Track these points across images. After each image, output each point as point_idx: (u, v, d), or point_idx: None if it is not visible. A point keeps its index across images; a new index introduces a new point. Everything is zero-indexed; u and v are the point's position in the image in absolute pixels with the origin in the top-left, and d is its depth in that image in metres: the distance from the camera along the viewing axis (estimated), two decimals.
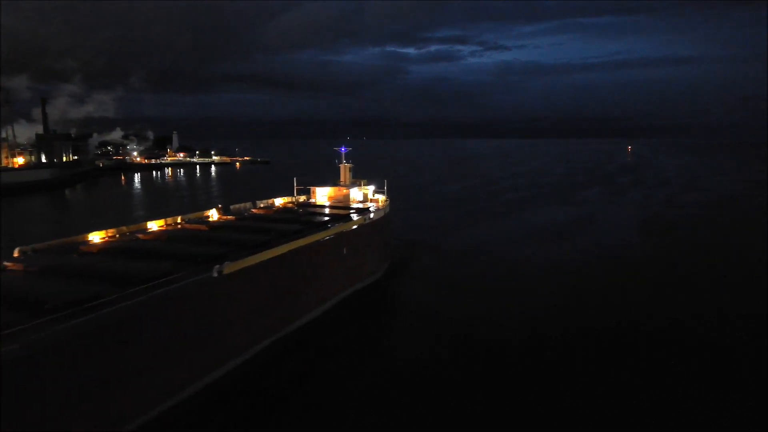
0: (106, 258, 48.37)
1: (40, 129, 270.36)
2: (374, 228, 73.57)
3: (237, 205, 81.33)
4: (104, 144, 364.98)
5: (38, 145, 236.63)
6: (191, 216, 72.10)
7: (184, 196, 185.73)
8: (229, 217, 72.42)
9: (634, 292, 69.20)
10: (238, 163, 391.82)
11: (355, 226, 68.33)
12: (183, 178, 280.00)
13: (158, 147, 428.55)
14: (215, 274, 42.88)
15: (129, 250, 51.22)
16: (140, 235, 59.66)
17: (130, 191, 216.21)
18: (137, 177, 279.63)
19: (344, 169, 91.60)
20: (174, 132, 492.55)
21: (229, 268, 44.26)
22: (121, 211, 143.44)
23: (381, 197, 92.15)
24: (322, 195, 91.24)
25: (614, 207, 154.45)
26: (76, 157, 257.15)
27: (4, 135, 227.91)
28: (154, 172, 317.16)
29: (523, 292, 69.51)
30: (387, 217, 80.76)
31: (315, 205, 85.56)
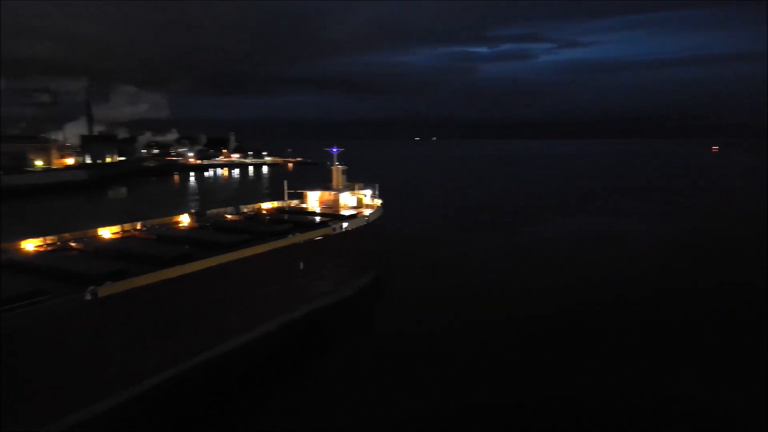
0: None
1: (101, 130, 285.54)
2: (349, 238, 66.38)
3: (216, 210, 76.98)
4: (157, 145, 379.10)
5: (83, 146, 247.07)
6: (156, 222, 68.34)
7: (216, 195, 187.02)
8: (194, 224, 67.99)
9: None
10: (289, 164, 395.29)
11: (318, 237, 61.52)
12: (237, 178, 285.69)
13: (214, 148, 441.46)
14: (88, 297, 37.48)
15: (15, 263, 46.98)
16: (73, 244, 55.95)
17: (171, 190, 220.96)
18: (191, 177, 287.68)
19: (336, 171, 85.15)
20: (231, 133, 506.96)
21: (108, 289, 38.73)
22: (145, 209, 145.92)
23: (375, 202, 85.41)
24: (314, 199, 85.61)
25: None
26: (122, 158, 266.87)
27: (54, 136, 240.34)
28: (206, 172, 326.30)
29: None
30: (372, 225, 73.21)
31: (303, 211, 79.59)
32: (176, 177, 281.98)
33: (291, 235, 58.32)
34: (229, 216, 74.86)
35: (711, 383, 44.29)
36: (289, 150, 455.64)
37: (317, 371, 48.13)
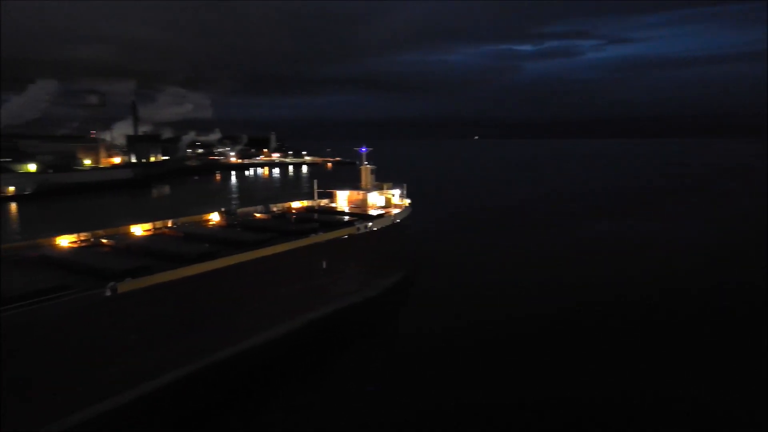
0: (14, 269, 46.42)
1: (146, 130, 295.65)
2: (374, 238, 66.38)
3: (246, 208, 78.40)
4: (200, 145, 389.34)
5: (128, 146, 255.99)
6: (187, 220, 70.11)
7: (255, 193, 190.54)
8: (223, 223, 69.40)
9: None
10: (329, 164, 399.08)
11: (342, 236, 61.68)
12: (277, 177, 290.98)
13: (256, 148, 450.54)
14: (108, 293, 38.63)
15: (47, 259, 48.82)
16: (104, 241, 57.88)
17: (212, 188, 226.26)
18: (233, 176, 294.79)
19: (364, 171, 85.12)
20: (272, 133, 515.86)
21: (128, 285, 39.82)
22: (186, 207, 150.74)
23: (404, 202, 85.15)
24: (343, 199, 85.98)
25: None
26: (166, 157, 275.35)
27: (103, 136, 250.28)
28: (247, 172, 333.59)
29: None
30: (398, 225, 72.98)
31: (331, 211, 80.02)
32: (218, 176, 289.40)
33: (313, 235, 58.67)
34: (258, 215, 76.02)
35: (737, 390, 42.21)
36: (328, 150, 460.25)
37: (331, 371, 48.21)
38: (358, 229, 63.85)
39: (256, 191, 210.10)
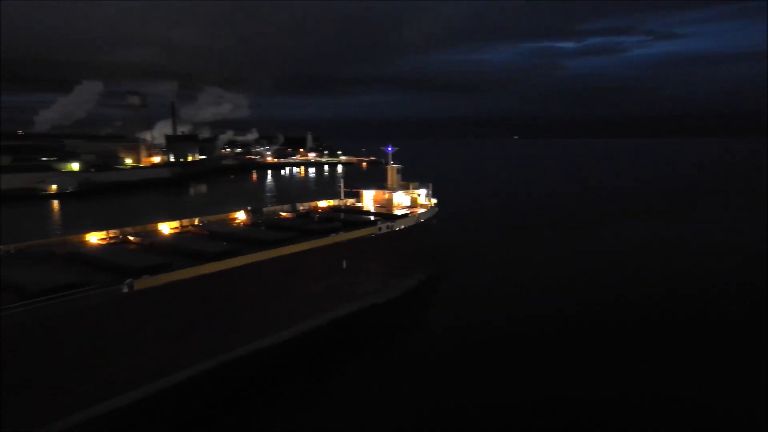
0: (34, 264, 48.09)
1: (185, 130, 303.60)
2: (396, 238, 66.11)
3: (272, 207, 79.41)
4: (236, 144, 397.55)
5: (167, 146, 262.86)
6: (214, 218, 71.51)
7: (289, 192, 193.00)
8: (248, 221, 70.46)
9: None
10: (363, 163, 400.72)
11: (363, 236, 61.63)
12: (312, 176, 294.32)
13: (292, 147, 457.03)
14: (125, 289, 39.59)
15: (74, 256, 50.36)
16: (131, 238, 59.43)
17: (248, 187, 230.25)
18: (269, 175, 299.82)
19: (390, 170, 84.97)
20: (308, 133, 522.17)
21: (145, 282, 40.71)
22: (220, 205, 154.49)
23: (430, 202, 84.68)
24: (369, 198, 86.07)
25: None
26: (203, 157, 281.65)
27: (144, 136, 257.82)
28: (283, 171, 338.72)
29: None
30: (422, 225, 72.50)
31: (356, 210, 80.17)
32: (254, 175, 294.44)
33: (333, 234, 58.82)
34: (283, 213, 76.82)
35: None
36: (363, 149, 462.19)
37: (342, 372, 47.93)
38: (380, 229, 63.70)
39: (290, 190, 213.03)
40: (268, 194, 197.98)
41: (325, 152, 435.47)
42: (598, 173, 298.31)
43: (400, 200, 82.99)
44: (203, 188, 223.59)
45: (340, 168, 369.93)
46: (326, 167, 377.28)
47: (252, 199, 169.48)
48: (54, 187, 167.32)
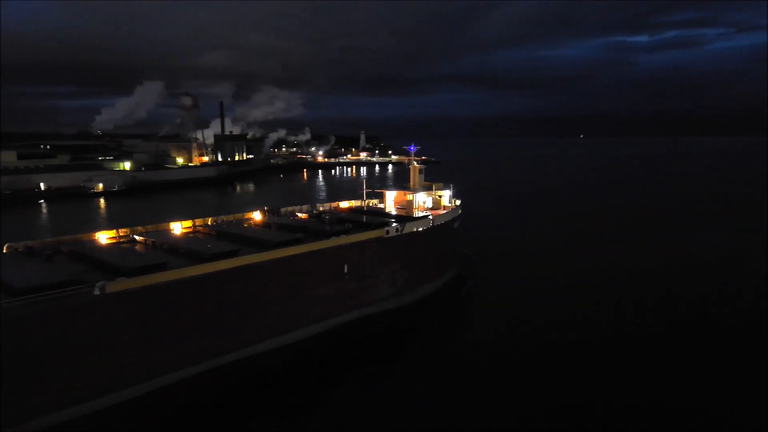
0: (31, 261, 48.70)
1: (232, 130, 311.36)
2: (407, 242, 63.38)
3: (290, 207, 78.48)
4: (287, 143, 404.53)
5: (215, 145, 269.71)
6: (231, 218, 71.50)
7: (331, 190, 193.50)
8: (260, 222, 69.91)
9: None
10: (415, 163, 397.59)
11: (369, 239, 59.41)
12: (363, 176, 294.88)
13: (346, 147, 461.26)
14: (97, 292, 39.16)
15: (76, 254, 50.79)
16: (138, 237, 59.76)
17: (296, 186, 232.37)
18: (319, 174, 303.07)
19: (413, 170, 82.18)
20: (362, 132, 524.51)
21: (118, 285, 40.13)
22: (265, 202, 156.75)
23: (454, 203, 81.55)
24: (391, 199, 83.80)
25: None
26: (250, 156, 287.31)
27: (195, 136, 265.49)
28: (333, 170, 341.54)
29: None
30: (439, 228, 69.38)
31: (375, 212, 78.09)
32: (304, 174, 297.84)
33: (334, 237, 56.94)
34: (299, 214, 75.83)
35: None
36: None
37: (326, 387, 45.78)
38: (387, 232, 61.18)
39: (336, 189, 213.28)
40: (314, 193, 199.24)
41: (376, 152, 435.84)
42: (668, 174, 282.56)
43: (422, 201, 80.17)
44: (250, 187, 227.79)
45: (390, 167, 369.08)
46: (377, 167, 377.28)
47: (296, 197, 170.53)
48: (100, 185, 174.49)
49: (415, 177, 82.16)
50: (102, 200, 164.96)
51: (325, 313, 55.28)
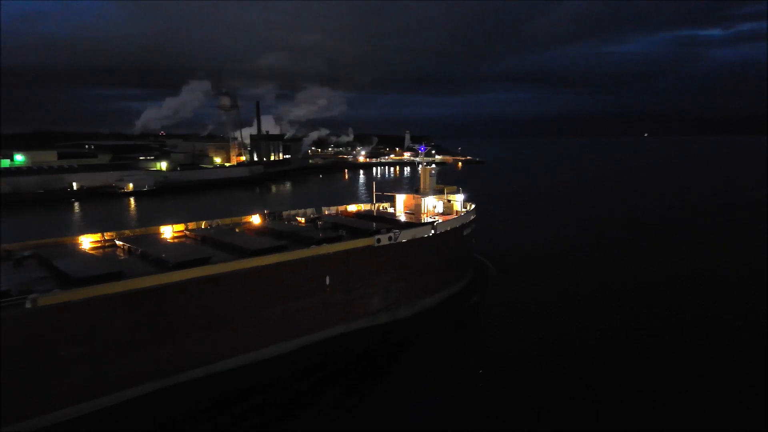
0: None
1: (279, 130, 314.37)
2: (401, 251, 58.70)
3: (292, 211, 75.29)
4: (331, 144, 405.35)
5: (251, 145, 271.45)
6: (227, 221, 69.13)
7: (365, 191, 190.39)
8: (255, 226, 67.10)
9: None
10: (459, 163, 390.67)
11: (363, 246, 55.21)
12: (406, 176, 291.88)
13: (391, 146, 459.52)
14: (28, 305, 36.57)
15: (44, 260, 48.76)
16: (118, 242, 57.82)
17: (334, 186, 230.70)
18: (361, 174, 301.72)
19: (424, 173, 77.33)
20: (406, 132, 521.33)
21: (53, 298, 37.39)
22: (288, 201, 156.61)
23: (468, 207, 76.26)
24: (401, 203, 79.41)
25: None
26: (287, 156, 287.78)
27: (233, 136, 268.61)
28: (374, 170, 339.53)
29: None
30: (442, 236, 64.36)
31: (382, 217, 73.70)
32: (346, 174, 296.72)
33: (314, 246, 52.99)
34: (299, 219, 72.70)
35: None
36: (459, 148, 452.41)
37: (288, 411, 41.71)
38: (378, 240, 56.67)
39: (371, 188, 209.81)
40: (351, 192, 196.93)
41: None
42: (736, 176, 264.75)
43: (431, 206, 75.27)
44: (287, 187, 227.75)
45: (433, 167, 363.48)
46: (419, 167, 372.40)
47: (332, 196, 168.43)
48: (130, 185, 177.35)
49: (426, 180, 77.28)
50: (132, 200, 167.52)
51: (302, 328, 51.30)
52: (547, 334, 55.11)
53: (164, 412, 40.49)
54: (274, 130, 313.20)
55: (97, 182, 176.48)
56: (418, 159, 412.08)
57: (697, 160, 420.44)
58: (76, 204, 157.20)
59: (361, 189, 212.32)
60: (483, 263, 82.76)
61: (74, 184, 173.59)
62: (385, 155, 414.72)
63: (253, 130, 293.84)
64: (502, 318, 61.30)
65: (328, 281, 52.70)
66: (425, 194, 74.87)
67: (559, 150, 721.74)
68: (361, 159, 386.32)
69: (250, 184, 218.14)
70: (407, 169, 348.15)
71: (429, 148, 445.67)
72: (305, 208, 76.72)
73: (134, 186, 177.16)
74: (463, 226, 69.85)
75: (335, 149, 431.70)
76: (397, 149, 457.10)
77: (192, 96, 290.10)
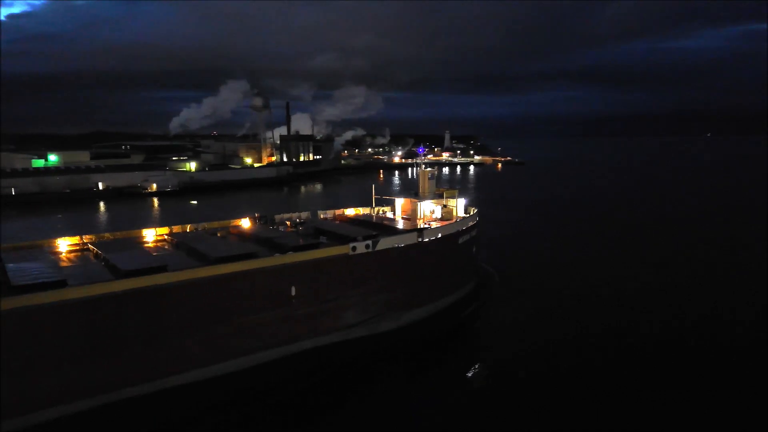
0: None
1: (315, 130, 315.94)
2: (379, 260, 55.25)
3: (286, 214, 72.96)
4: (362, 145, 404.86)
5: (280, 145, 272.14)
6: (216, 224, 67.47)
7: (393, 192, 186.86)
8: (247, 229, 65.44)
9: None
10: (499, 164, 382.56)
11: (337, 255, 52.22)
12: (445, 176, 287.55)
13: (430, 146, 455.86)
14: None
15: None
16: (91, 246, 56.68)
17: (365, 186, 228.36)
18: (396, 175, 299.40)
19: (422, 176, 73.45)
20: (446, 132, 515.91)
21: None
22: (313, 202, 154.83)
23: (470, 212, 72.38)
24: (399, 208, 76.17)
25: None
26: (318, 157, 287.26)
27: (266, 137, 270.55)
28: (410, 170, 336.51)
29: None
30: (437, 242, 60.74)
31: (376, 222, 70.48)
32: (380, 175, 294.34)
33: (278, 255, 50.27)
34: (289, 223, 70.39)
35: None
36: (498, 149, 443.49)
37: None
38: (354, 248, 53.37)
39: (405, 188, 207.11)
40: (383, 192, 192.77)
41: (458, 152, 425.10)
42: None
43: (428, 211, 71.55)
44: (317, 187, 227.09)
45: (472, 168, 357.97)
46: (458, 167, 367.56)
47: (359, 197, 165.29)
48: (154, 185, 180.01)
49: (424, 183, 73.36)
50: (155, 200, 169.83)
51: (263, 342, 48.46)
52: (536, 352, 50.73)
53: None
54: (308, 130, 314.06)
55: (123, 182, 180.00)
56: (455, 159, 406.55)
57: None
58: (101, 204, 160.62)
59: (395, 189, 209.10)
60: (489, 273, 78.45)
61: (100, 184, 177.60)
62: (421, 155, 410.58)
63: (285, 131, 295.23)
64: (494, 337, 57.21)
65: (294, 292, 49.79)
66: (422, 199, 71.24)
67: (610, 150, 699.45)
68: (396, 159, 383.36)
69: (277, 185, 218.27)
70: (445, 170, 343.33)
71: (467, 146, 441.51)
72: (307, 210, 74.67)
73: (158, 186, 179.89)
74: (459, 233, 65.69)
75: (375, 149, 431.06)
76: (436, 149, 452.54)
77: (230, 96, 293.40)
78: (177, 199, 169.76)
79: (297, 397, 43.62)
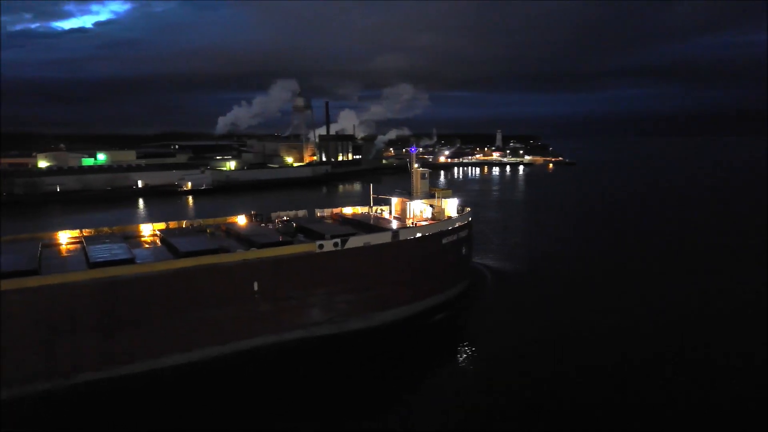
0: None
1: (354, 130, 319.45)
2: (354, 258, 56.34)
3: (282, 213, 75.09)
4: (406, 144, 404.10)
5: (319, 145, 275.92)
6: (208, 221, 70.67)
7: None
8: (243, 225, 68.45)
9: None
10: (550, 164, 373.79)
11: (302, 252, 53.85)
12: (494, 177, 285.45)
13: (482, 146, 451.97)
14: None
15: None
16: (87, 239, 60.40)
17: (404, 186, 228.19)
18: (441, 174, 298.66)
19: (415, 175, 73.65)
20: (498, 131, 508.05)
21: None
22: (347, 201, 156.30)
23: (464, 212, 72.30)
24: (393, 207, 76.90)
25: None
26: (357, 156, 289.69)
27: (308, 136, 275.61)
28: (456, 170, 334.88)
29: None
30: (415, 242, 61.25)
31: (366, 222, 71.54)
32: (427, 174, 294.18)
33: (240, 251, 52.37)
34: (277, 220, 72.46)
35: None
36: (550, 149, 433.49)
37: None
38: (321, 246, 54.62)
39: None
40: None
41: (508, 152, 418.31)
42: None
43: (418, 211, 71.80)
44: (354, 186, 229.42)
45: (521, 169, 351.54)
46: (508, 167, 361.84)
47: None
48: (189, 184, 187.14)
49: (417, 183, 73.62)
50: (190, 198, 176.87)
51: (224, 335, 50.47)
52: (504, 357, 50.42)
53: (46, 417, 41.18)
54: (353, 129, 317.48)
55: (160, 181, 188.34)
56: (505, 159, 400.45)
57: None
58: (140, 201, 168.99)
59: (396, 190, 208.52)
60: (484, 274, 78.07)
61: (139, 182, 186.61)
62: (469, 155, 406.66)
63: (330, 130, 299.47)
64: (474, 339, 57.21)
65: (256, 287, 51.59)
66: (413, 198, 71.63)
67: (677, 150, 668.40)
68: (442, 159, 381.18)
69: (315, 184, 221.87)
70: (496, 170, 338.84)
71: (525, 146, 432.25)
72: (306, 209, 76.72)
73: (192, 185, 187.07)
74: (443, 234, 65.64)
75: (423, 149, 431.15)
76: (486, 149, 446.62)
77: (279, 94, 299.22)
78: (211, 197, 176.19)
79: (257, 390, 45.26)
